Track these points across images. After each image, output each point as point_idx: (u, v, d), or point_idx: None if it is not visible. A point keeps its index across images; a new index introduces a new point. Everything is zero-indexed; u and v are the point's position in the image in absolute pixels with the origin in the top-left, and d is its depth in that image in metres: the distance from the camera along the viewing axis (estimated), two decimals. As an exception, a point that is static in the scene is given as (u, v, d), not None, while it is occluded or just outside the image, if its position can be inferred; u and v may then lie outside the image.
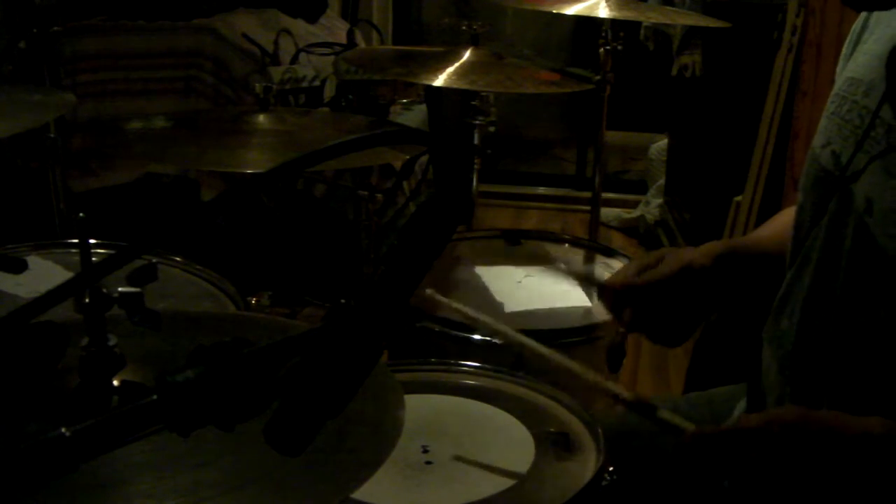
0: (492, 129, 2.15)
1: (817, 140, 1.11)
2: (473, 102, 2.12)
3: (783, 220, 1.29)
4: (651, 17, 2.38)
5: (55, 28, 2.02)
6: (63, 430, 0.50)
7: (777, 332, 1.12)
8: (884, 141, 0.99)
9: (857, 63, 1.10)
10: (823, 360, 1.05)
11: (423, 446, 1.13)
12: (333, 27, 3.38)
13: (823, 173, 1.07)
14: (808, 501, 0.92)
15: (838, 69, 1.16)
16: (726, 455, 0.94)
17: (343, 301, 0.56)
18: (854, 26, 1.15)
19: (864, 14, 1.14)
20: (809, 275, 1.07)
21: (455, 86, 1.84)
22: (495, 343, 1.48)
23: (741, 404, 1.24)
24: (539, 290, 1.70)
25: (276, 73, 2.85)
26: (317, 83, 2.95)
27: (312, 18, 3.30)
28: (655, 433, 1.32)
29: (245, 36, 2.93)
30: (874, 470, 0.92)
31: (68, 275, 1.47)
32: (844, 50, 1.16)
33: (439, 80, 1.83)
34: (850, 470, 0.92)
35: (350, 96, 2.73)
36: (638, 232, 4.01)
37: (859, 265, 1.00)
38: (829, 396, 1.04)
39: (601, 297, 1.29)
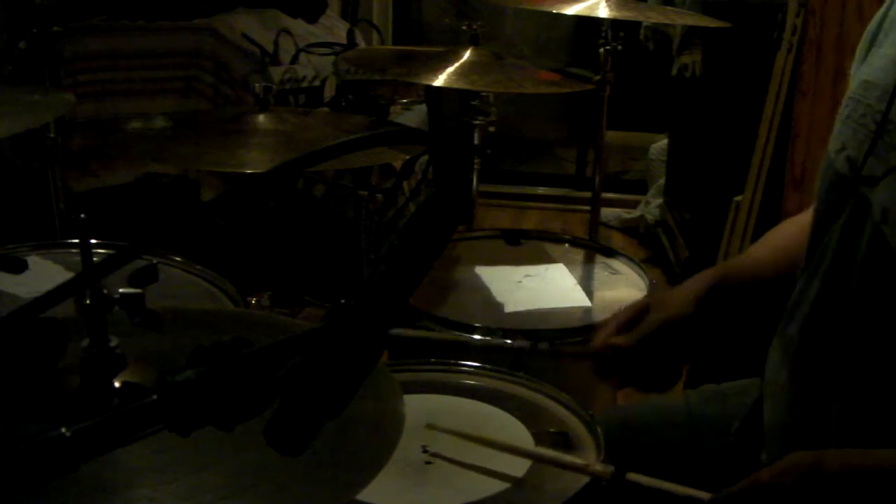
0: (492, 129, 2.15)
1: (832, 144, 1.10)
2: (473, 102, 2.12)
3: (780, 236, 1.29)
4: (651, 17, 2.38)
5: (55, 28, 2.02)
6: (63, 430, 0.50)
7: (786, 337, 1.12)
8: None
9: (872, 66, 1.08)
10: (830, 367, 1.04)
11: (423, 446, 1.13)
12: (333, 27, 3.37)
13: (838, 178, 1.07)
14: None
15: (852, 70, 1.15)
16: None
17: (343, 301, 0.55)
18: (869, 26, 1.14)
19: (879, 14, 1.12)
20: (819, 280, 1.07)
21: (455, 86, 1.84)
22: (495, 343, 1.48)
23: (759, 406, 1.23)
24: (539, 290, 1.70)
25: (276, 73, 2.85)
26: (317, 83, 2.95)
27: (312, 18, 3.30)
28: (655, 433, 1.33)
29: (245, 36, 2.93)
30: None
31: (68, 275, 1.47)
32: (858, 51, 1.15)
33: (439, 80, 1.83)
34: None
35: (350, 96, 2.73)
36: (638, 232, 4.00)
37: (873, 274, 0.99)
38: (838, 403, 1.04)
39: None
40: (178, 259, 1.52)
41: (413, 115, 3.14)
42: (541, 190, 4.62)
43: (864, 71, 1.10)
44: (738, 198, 2.79)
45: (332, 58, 3.02)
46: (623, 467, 1.04)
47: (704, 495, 0.99)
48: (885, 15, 1.11)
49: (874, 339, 1.00)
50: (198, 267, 1.51)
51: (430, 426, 1.15)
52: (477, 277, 1.73)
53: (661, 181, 3.91)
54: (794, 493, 0.92)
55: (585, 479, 1.05)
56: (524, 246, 1.91)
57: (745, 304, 1.25)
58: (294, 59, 2.98)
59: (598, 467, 1.05)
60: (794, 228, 1.25)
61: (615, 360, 1.23)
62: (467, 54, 1.93)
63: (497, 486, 1.06)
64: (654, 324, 1.21)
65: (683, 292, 1.24)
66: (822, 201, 1.11)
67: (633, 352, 1.21)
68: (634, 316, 1.24)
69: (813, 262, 1.09)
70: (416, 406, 1.21)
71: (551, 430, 1.17)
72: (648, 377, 1.23)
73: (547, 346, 1.37)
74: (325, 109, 2.83)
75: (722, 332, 1.25)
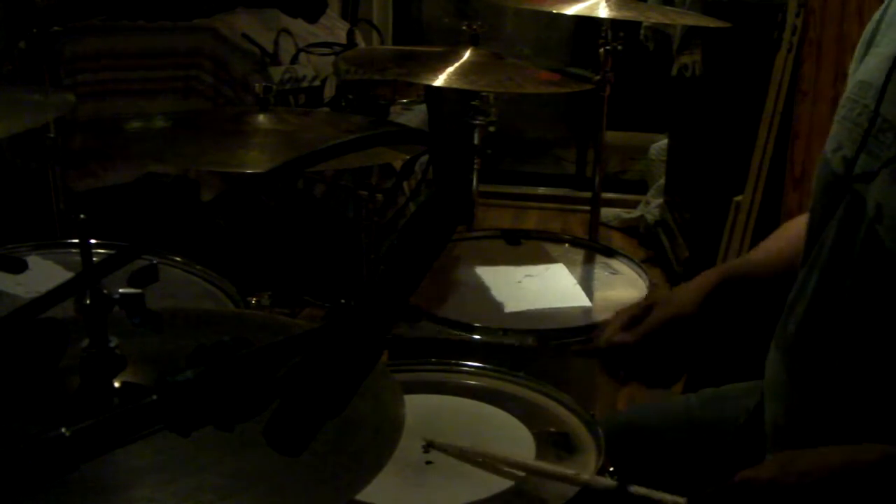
0: (492, 129, 2.15)
1: (829, 144, 1.11)
2: (473, 102, 2.12)
3: (782, 238, 1.30)
4: (651, 17, 2.38)
5: (55, 28, 2.02)
6: (63, 430, 0.50)
7: (785, 334, 1.12)
8: (893, 146, 0.99)
9: (867, 66, 1.09)
10: (827, 363, 1.05)
11: (423, 446, 1.13)
12: (333, 27, 3.37)
13: (834, 177, 1.07)
14: None
15: (850, 70, 1.16)
16: None
17: (343, 301, 0.55)
18: (867, 27, 1.14)
19: (876, 16, 1.13)
20: (817, 276, 1.07)
21: (455, 86, 1.84)
22: (495, 343, 1.48)
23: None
24: (539, 290, 1.70)
25: (276, 73, 2.85)
26: (317, 83, 2.94)
27: (312, 18, 3.30)
28: (656, 436, 1.33)
29: (245, 36, 2.93)
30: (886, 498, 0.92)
31: (68, 275, 1.46)
32: (857, 52, 1.16)
33: (439, 80, 1.83)
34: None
35: (350, 96, 2.73)
36: (638, 232, 4.00)
37: (868, 272, 1.00)
38: (836, 400, 1.04)
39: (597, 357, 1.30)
40: (178, 259, 1.52)
41: (413, 115, 3.14)
42: (541, 190, 4.62)
43: (861, 70, 1.10)
44: (738, 198, 2.79)
45: (332, 58, 3.02)
46: (625, 480, 1.04)
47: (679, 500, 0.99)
48: (883, 15, 1.12)
49: (871, 336, 1.00)
50: (198, 267, 1.51)
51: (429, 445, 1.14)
52: (477, 277, 1.73)
53: (661, 181, 3.91)
54: (793, 492, 0.93)
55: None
56: (524, 246, 1.91)
57: (747, 304, 1.26)
58: (294, 59, 2.98)
59: (603, 481, 1.04)
60: (792, 231, 1.26)
61: (620, 357, 1.24)
62: (467, 54, 1.93)
63: (497, 487, 1.06)
64: (658, 321, 1.23)
65: (687, 291, 1.26)
66: (818, 200, 1.11)
67: (638, 348, 1.22)
68: (639, 313, 1.25)
69: (810, 258, 1.10)
70: (416, 406, 1.21)
71: (552, 430, 1.17)
72: (653, 373, 1.25)
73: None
74: (325, 109, 2.83)
75: (723, 332, 1.26)
